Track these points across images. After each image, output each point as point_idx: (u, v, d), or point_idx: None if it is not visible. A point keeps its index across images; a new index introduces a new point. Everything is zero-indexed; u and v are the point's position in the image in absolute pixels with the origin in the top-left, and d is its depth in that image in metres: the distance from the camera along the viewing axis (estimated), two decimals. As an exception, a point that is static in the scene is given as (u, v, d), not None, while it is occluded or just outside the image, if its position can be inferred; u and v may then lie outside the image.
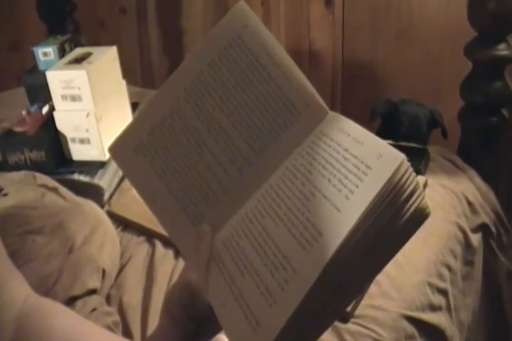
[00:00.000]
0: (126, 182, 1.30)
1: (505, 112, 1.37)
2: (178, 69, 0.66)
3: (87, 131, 1.30)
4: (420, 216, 0.51)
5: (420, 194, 0.50)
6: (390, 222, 0.50)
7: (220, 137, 0.63)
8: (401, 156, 0.50)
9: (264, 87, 0.62)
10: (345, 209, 0.50)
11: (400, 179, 0.49)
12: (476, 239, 1.24)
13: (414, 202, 0.50)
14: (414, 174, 0.50)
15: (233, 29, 0.64)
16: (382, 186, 0.48)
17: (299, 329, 0.50)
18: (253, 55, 0.62)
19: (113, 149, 0.68)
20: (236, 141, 0.62)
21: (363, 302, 0.98)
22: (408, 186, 0.49)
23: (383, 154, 0.51)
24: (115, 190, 1.31)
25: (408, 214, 0.50)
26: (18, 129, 1.31)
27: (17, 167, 1.27)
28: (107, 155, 1.32)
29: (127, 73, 1.47)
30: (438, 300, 1.07)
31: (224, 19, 0.65)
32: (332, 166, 0.54)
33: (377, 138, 0.54)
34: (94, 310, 0.93)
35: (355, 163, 0.52)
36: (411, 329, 0.99)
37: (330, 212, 0.51)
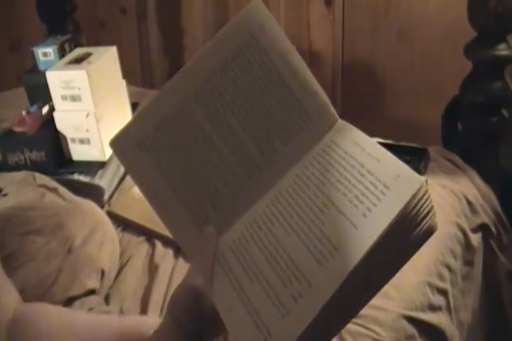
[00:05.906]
0: (126, 182, 1.30)
1: (505, 112, 1.36)
2: (188, 65, 0.63)
3: (87, 131, 1.29)
4: (429, 232, 0.51)
5: (433, 214, 0.51)
6: (403, 240, 0.50)
7: (229, 139, 0.61)
8: (420, 179, 0.50)
9: (277, 91, 0.60)
10: (363, 227, 0.49)
11: (418, 202, 0.49)
12: (476, 239, 1.24)
13: (427, 222, 0.50)
14: (430, 196, 0.50)
15: (248, 28, 0.61)
16: (402, 208, 0.48)
17: (311, 338, 0.50)
18: (268, 58, 0.60)
19: (115, 143, 0.64)
20: (245, 144, 0.60)
21: (363, 302, 0.98)
22: (425, 209, 0.50)
23: (401, 175, 0.51)
24: (115, 190, 1.31)
25: (421, 232, 0.50)
26: (18, 129, 1.31)
27: (17, 167, 1.27)
28: (107, 156, 1.32)
29: (127, 73, 1.47)
30: (438, 300, 1.07)
31: (239, 16, 0.62)
32: (347, 180, 0.53)
33: (392, 156, 0.53)
34: (91, 309, 0.93)
35: (372, 181, 0.52)
36: (411, 329, 0.99)
37: (346, 228, 0.50)
